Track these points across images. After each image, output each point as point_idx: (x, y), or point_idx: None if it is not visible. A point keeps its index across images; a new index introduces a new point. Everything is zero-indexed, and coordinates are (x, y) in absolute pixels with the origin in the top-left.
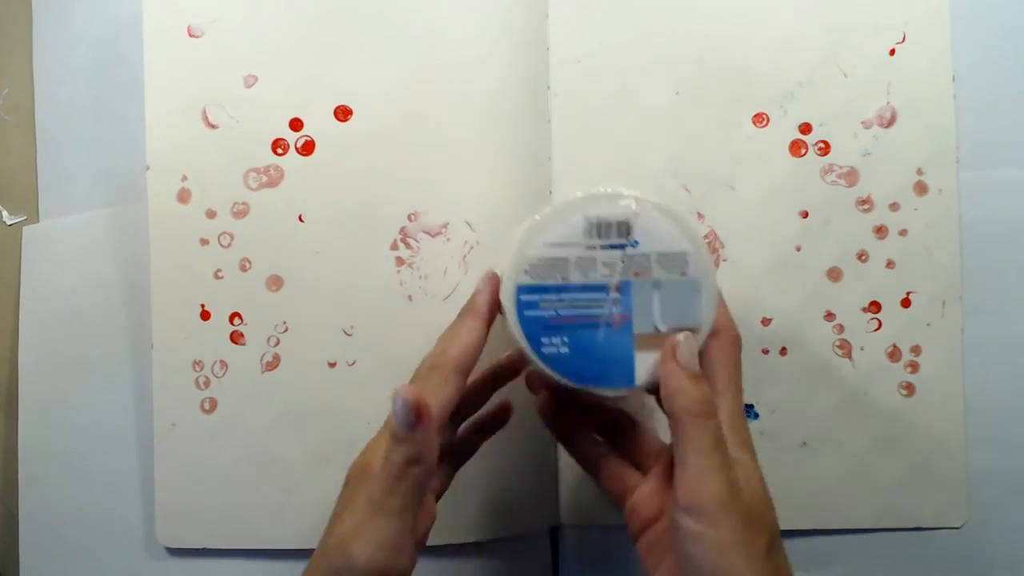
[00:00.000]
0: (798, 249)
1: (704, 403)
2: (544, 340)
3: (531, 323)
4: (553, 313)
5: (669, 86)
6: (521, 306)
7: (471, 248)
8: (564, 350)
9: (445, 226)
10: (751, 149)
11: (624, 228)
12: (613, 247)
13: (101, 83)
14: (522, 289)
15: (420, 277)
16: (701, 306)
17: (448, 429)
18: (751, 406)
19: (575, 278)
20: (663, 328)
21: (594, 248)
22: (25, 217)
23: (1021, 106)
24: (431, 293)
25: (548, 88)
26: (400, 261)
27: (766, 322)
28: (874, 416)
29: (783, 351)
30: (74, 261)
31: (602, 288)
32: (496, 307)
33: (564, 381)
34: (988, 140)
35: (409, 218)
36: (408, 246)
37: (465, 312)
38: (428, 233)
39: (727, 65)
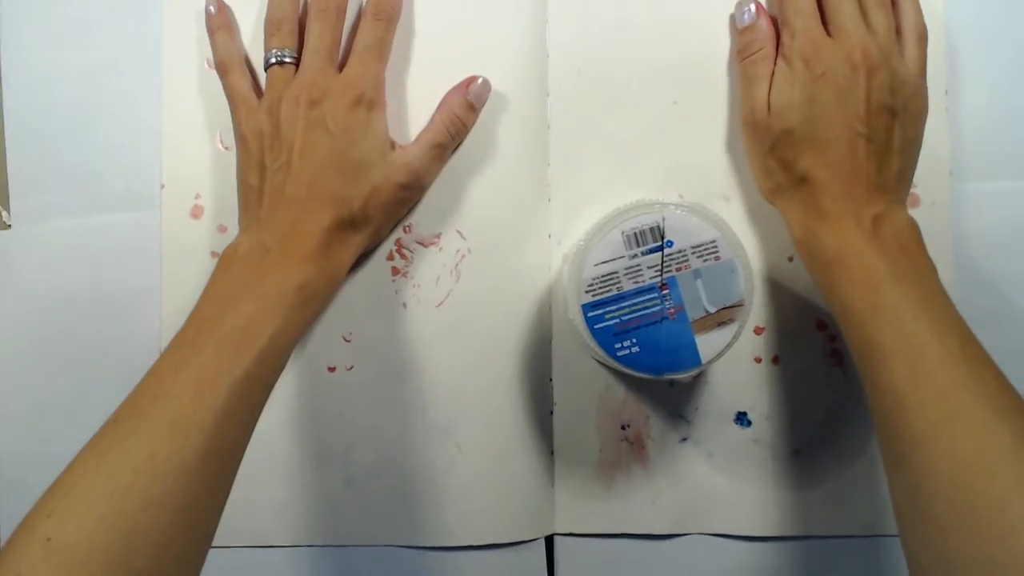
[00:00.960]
0: (790, 260)
1: None
2: (617, 346)
3: (602, 334)
4: (618, 321)
5: (667, 95)
6: (590, 322)
7: (463, 257)
8: (636, 350)
9: (438, 236)
10: (746, 160)
11: (657, 232)
12: (652, 251)
13: (81, 91)
14: (586, 307)
15: (414, 286)
16: (740, 282)
17: None
18: (744, 414)
19: (627, 286)
20: (712, 310)
21: (636, 256)
22: (10, 222)
23: (1014, 118)
24: (424, 301)
25: (548, 94)
26: (395, 271)
27: (758, 331)
28: (866, 424)
29: (775, 360)
30: (51, 268)
31: (652, 289)
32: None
33: (643, 375)
34: (981, 152)
35: (404, 230)
36: (403, 256)
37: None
38: (422, 243)
39: (724, 75)
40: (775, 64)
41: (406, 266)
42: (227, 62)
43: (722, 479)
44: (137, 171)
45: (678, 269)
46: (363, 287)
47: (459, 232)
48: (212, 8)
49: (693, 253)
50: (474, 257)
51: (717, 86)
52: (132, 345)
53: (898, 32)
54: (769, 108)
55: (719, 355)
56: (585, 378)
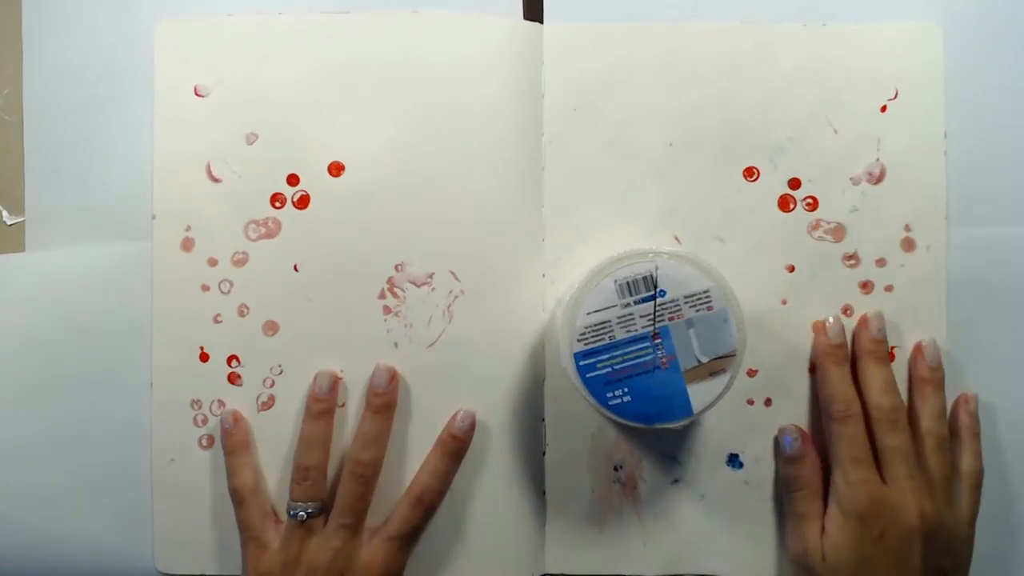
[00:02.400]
0: (784, 303)
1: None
2: (609, 395)
3: (594, 383)
4: (610, 370)
5: (662, 137)
6: (582, 371)
7: (456, 297)
8: (627, 399)
9: (431, 276)
10: (741, 202)
11: (650, 282)
12: (644, 300)
13: (91, 120)
14: (579, 356)
15: (405, 325)
16: (732, 332)
17: None
18: (736, 456)
19: (620, 335)
20: (704, 360)
21: (629, 305)
22: (24, 218)
23: (1011, 163)
24: (416, 341)
25: (542, 135)
26: (387, 310)
27: (751, 373)
28: None
29: (768, 402)
30: (53, 296)
31: (644, 338)
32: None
33: (633, 425)
34: (977, 197)
35: (396, 268)
36: (395, 295)
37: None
38: (414, 283)
39: (720, 118)
40: (824, 503)
41: (398, 305)
42: (241, 492)
43: (714, 521)
44: (132, 201)
45: (671, 319)
46: (355, 325)
47: (452, 272)
48: (228, 425)
49: (686, 303)
50: (467, 298)
51: (713, 128)
52: (122, 376)
53: (953, 470)
54: (823, 556)
55: (710, 405)
56: (578, 419)
